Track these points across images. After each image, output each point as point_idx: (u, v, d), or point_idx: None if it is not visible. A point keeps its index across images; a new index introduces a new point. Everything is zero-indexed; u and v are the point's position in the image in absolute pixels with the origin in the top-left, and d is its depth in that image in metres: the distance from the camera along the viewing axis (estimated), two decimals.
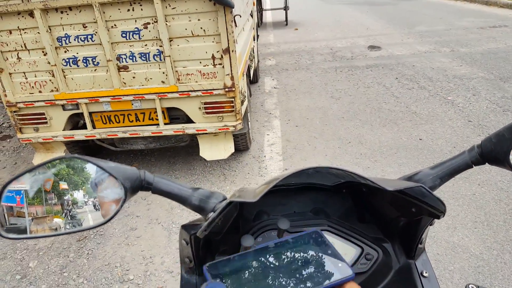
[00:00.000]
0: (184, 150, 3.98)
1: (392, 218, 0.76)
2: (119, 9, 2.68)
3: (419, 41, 8.01)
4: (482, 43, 7.41)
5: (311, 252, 0.64)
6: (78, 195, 0.61)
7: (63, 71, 2.89)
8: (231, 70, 2.83)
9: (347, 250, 0.76)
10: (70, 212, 0.61)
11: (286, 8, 10.60)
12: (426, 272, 0.71)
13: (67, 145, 3.47)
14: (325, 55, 7.45)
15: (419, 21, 10.09)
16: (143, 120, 3.11)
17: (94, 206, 0.61)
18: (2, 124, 5.19)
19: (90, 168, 0.61)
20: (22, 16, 2.72)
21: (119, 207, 0.60)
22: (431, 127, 4.19)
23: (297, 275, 0.59)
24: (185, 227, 0.69)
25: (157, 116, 3.05)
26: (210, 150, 3.23)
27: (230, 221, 0.73)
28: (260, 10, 10.60)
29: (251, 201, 0.55)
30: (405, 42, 8.01)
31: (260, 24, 10.95)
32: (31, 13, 2.70)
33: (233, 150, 3.24)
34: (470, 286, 0.68)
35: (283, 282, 0.58)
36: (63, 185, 0.61)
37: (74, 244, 2.77)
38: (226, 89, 2.89)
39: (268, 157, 3.78)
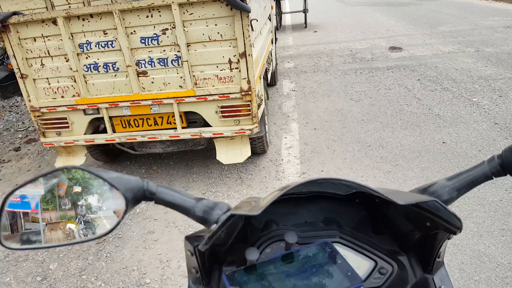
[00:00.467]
0: (201, 153, 4.00)
1: (407, 231, 0.73)
2: (138, 15, 2.72)
3: (442, 41, 7.81)
4: (508, 42, 7.16)
5: (321, 262, 0.65)
6: (92, 200, 0.61)
7: (84, 76, 2.96)
8: (247, 74, 2.82)
9: (360, 263, 0.73)
10: (83, 217, 0.62)
11: (305, 11, 10.55)
12: None
13: (88, 149, 3.54)
14: (345, 57, 7.36)
15: (442, 21, 9.85)
16: (161, 124, 3.14)
17: (101, 210, 0.62)
18: (28, 128, 5.37)
19: (93, 179, 0.61)
20: (46, 24, 2.80)
21: (120, 218, 0.60)
22: (455, 130, 4.06)
23: (309, 285, 0.61)
24: (188, 238, 0.68)
25: (175, 120, 3.08)
26: (227, 154, 3.24)
27: (234, 233, 0.71)
28: (279, 13, 10.60)
29: (254, 214, 0.54)
30: (427, 42, 7.82)
31: (279, 27, 10.93)
32: (54, 21, 2.78)
33: (249, 154, 3.24)
34: None
35: None
36: (77, 189, 0.61)
37: (93, 247, 2.82)
38: (243, 93, 2.89)
39: (286, 160, 3.75)
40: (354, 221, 0.84)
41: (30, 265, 2.69)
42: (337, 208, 0.86)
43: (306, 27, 10.98)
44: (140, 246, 2.80)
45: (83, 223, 0.62)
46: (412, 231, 0.71)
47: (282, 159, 3.78)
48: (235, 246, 0.75)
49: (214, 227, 0.61)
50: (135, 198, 0.61)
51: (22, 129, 5.36)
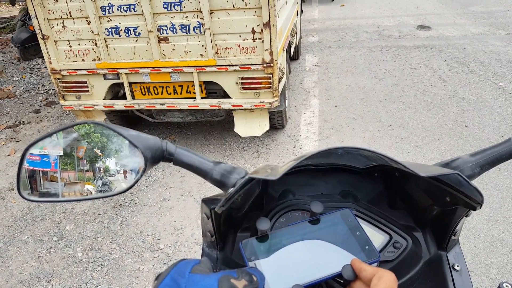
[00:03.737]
0: (219, 125, 3.97)
1: (425, 206, 0.71)
2: None
3: (472, 22, 7.44)
4: None
5: (340, 233, 0.64)
6: (110, 162, 0.61)
7: (105, 40, 2.92)
8: (270, 45, 2.73)
9: (375, 236, 0.72)
10: (101, 179, 0.61)
11: None
12: (458, 266, 0.67)
13: (107, 114, 3.56)
14: (371, 34, 7.11)
15: (474, 1, 9.36)
16: (181, 93, 3.11)
17: (118, 173, 0.61)
18: (48, 90, 5.42)
19: (112, 136, 0.60)
20: None
21: (139, 176, 0.58)
22: (478, 114, 3.93)
23: (326, 255, 0.60)
24: (205, 201, 0.67)
25: (194, 89, 3.03)
26: (245, 127, 3.20)
27: (251, 199, 0.70)
28: None
29: (271, 178, 0.52)
30: (457, 23, 7.47)
31: None
32: None
33: (268, 128, 3.19)
34: (504, 284, 0.62)
35: (312, 262, 0.59)
36: (97, 151, 0.61)
37: (109, 211, 2.87)
38: (265, 65, 2.81)
39: (304, 136, 3.70)
40: (371, 195, 0.82)
41: (47, 225, 2.76)
42: (354, 181, 0.85)
43: (333, 0, 10.60)
44: (155, 213, 2.84)
45: (100, 184, 0.61)
46: (431, 207, 0.70)
47: (300, 135, 3.72)
48: (250, 213, 0.75)
49: (231, 190, 0.60)
50: (153, 158, 0.60)
51: (42, 92, 5.41)
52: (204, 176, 0.66)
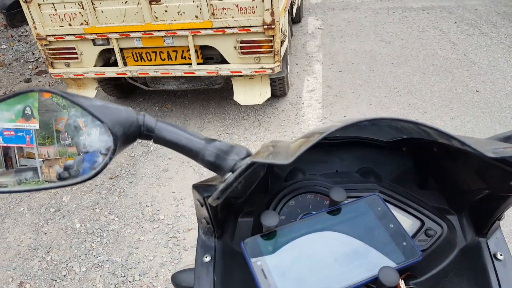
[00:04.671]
0: (218, 93, 3.82)
1: (470, 188, 0.59)
2: None
3: None
4: None
5: (369, 225, 0.53)
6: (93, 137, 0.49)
7: (92, 3, 2.73)
8: (271, 4, 2.54)
9: (403, 222, 0.61)
10: (85, 154, 0.51)
11: None
12: (501, 255, 0.57)
13: (100, 83, 3.41)
14: None
15: None
16: (175, 59, 2.94)
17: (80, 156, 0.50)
18: (38, 59, 5.23)
19: (70, 107, 0.48)
20: None
21: (108, 159, 0.46)
22: (490, 78, 3.76)
23: (354, 256, 0.50)
24: (197, 187, 0.56)
25: (189, 55, 2.87)
26: (245, 94, 3.05)
27: (254, 184, 0.60)
28: None
29: (282, 163, 0.42)
30: None
31: None
32: None
33: (269, 95, 3.04)
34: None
35: (337, 265, 0.49)
36: (81, 123, 0.50)
37: (106, 182, 2.79)
38: (265, 26, 2.63)
39: (307, 104, 3.55)
40: (396, 173, 0.72)
41: (43, 197, 2.69)
42: (376, 157, 0.74)
43: None
44: (154, 184, 2.76)
45: (60, 170, 0.50)
46: (479, 190, 0.57)
47: (303, 103, 3.58)
48: (253, 196, 0.65)
49: (229, 177, 0.49)
50: (126, 135, 0.47)
51: (32, 60, 5.22)
52: (193, 157, 0.55)
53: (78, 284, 2.05)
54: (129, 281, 2.05)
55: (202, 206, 0.57)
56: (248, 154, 0.54)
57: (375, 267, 0.46)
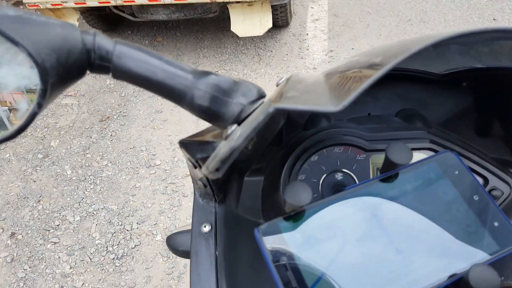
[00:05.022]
0: (213, 23, 3.48)
1: None
2: None
3: None
4: None
5: (445, 199, 0.36)
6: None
7: None
8: None
9: None
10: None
11: None
12: None
13: (82, 14, 3.07)
14: None
15: None
16: None
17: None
18: None
19: None
20: None
21: (34, 107, 0.28)
22: (509, 4, 3.45)
23: (426, 247, 0.34)
24: (185, 145, 0.42)
25: None
26: (243, 24, 2.74)
27: (268, 140, 0.47)
28: None
29: (329, 110, 0.26)
30: None
31: None
32: None
33: (270, 25, 2.73)
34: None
35: (402, 261, 0.32)
36: None
37: (96, 125, 2.59)
38: None
39: (311, 35, 3.25)
40: (447, 116, 0.58)
41: (30, 142, 2.50)
42: (423, 95, 0.59)
43: None
44: (147, 126, 2.56)
45: None
46: None
47: (307, 34, 3.27)
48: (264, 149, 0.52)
49: (232, 133, 0.33)
50: (64, 65, 0.28)
51: None
52: (176, 100, 0.37)
53: (73, 233, 1.95)
54: (127, 230, 1.94)
55: (195, 167, 0.43)
56: (261, 95, 0.38)
57: (459, 262, 0.32)
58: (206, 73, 0.36)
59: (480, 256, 0.33)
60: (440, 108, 0.58)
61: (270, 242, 0.33)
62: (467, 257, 0.33)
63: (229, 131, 0.35)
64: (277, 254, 0.32)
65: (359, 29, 3.27)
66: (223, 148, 0.30)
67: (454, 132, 0.56)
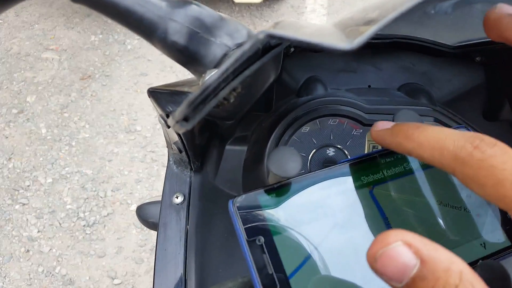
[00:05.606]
0: None
1: None
2: None
3: None
4: None
5: (453, 181, 0.31)
6: None
7: None
8: None
9: None
10: None
11: None
12: None
13: None
14: None
15: None
16: None
17: None
18: None
19: None
20: None
21: None
22: None
23: (431, 236, 0.27)
24: (155, 95, 0.36)
25: None
26: None
27: (257, 96, 0.39)
28: None
29: (341, 48, 0.18)
30: None
31: None
32: None
33: None
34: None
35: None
36: None
37: (77, 83, 2.46)
38: None
39: (310, 9, 3.11)
40: (454, 94, 0.54)
41: (5, 95, 2.36)
42: (430, 69, 0.54)
43: None
44: (130, 89, 2.45)
45: None
46: None
47: (306, 7, 3.13)
48: (249, 115, 0.49)
49: (211, 75, 0.27)
50: None
51: None
52: (146, 33, 0.30)
53: (43, 196, 1.87)
54: (101, 197, 1.87)
55: (169, 127, 0.38)
56: (251, 36, 0.32)
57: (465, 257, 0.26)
58: (186, 2, 0.29)
59: (476, 249, 0.29)
60: (447, 85, 0.54)
61: (246, 218, 0.26)
62: (474, 250, 0.29)
63: (207, 76, 0.28)
64: (253, 232, 0.26)
65: (361, 6, 3.14)
66: (195, 92, 0.22)
67: (458, 113, 0.52)
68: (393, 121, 0.31)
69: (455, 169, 0.21)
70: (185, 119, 0.22)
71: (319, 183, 0.29)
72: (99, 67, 2.57)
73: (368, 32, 0.19)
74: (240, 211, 0.26)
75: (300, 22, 0.33)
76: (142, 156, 2.06)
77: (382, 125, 0.28)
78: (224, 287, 0.29)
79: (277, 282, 0.24)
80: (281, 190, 0.27)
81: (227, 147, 0.49)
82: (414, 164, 0.32)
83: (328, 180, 0.29)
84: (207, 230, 0.45)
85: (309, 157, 0.46)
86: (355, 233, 0.27)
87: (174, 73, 2.54)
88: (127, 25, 0.29)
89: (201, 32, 0.29)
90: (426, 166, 0.32)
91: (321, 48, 0.19)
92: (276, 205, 0.27)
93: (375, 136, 0.28)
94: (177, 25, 0.29)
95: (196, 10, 0.30)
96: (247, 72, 0.24)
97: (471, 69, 0.53)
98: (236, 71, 0.22)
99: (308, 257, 0.26)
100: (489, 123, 0.52)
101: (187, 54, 0.30)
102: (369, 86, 0.54)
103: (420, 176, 0.31)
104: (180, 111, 0.21)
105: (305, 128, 0.47)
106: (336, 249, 0.26)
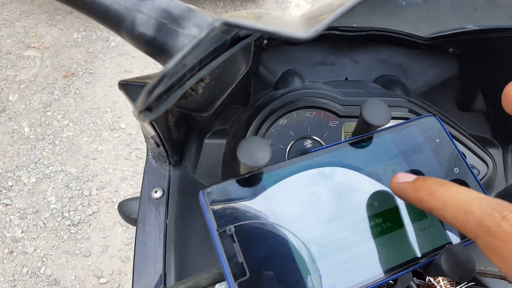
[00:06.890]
0: None
1: None
2: None
3: None
4: None
5: (424, 171, 0.32)
6: None
7: None
8: None
9: None
10: None
11: None
12: None
13: None
14: None
15: None
16: None
17: None
18: None
19: None
20: None
21: None
22: None
23: (396, 225, 0.29)
24: (126, 88, 0.36)
25: None
26: None
27: (229, 88, 0.38)
28: None
29: (299, 36, 0.19)
30: None
31: None
32: None
33: None
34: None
35: (367, 240, 0.28)
36: None
37: (60, 81, 2.42)
38: None
39: (294, 3, 3.11)
40: (429, 86, 0.55)
41: None
42: (405, 61, 0.55)
43: None
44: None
45: None
46: None
47: (290, 2, 3.13)
48: (227, 109, 0.50)
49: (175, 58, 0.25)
50: None
51: None
52: (113, 24, 0.30)
53: (27, 196, 1.85)
54: (85, 195, 1.86)
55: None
56: (215, 20, 0.30)
57: (432, 242, 0.29)
58: None
59: (455, 236, 0.30)
60: (422, 77, 0.55)
61: (217, 208, 0.27)
62: (440, 237, 0.29)
63: (168, 65, 0.28)
64: (224, 222, 0.26)
65: None
66: (154, 78, 0.23)
67: (434, 104, 0.53)
68: (360, 111, 0.31)
69: (478, 236, 0.20)
70: (149, 109, 0.22)
71: (290, 172, 0.29)
72: (83, 65, 2.54)
73: (324, 22, 0.19)
74: (211, 202, 0.26)
75: (271, 14, 0.33)
76: (127, 153, 2.05)
77: (403, 178, 0.27)
78: (199, 278, 0.30)
79: (247, 271, 0.24)
80: (251, 180, 0.28)
81: (206, 140, 0.49)
82: (385, 153, 0.32)
83: (298, 169, 0.29)
84: (186, 224, 0.45)
85: (287, 149, 0.47)
86: (327, 226, 0.28)
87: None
88: (94, 16, 0.30)
89: (168, 23, 0.30)
90: (396, 156, 0.32)
91: (279, 37, 0.19)
92: (247, 195, 0.27)
93: (395, 187, 0.27)
94: (144, 16, 0.29)
95: (164, 1, 0.30)
96: (214, 63, 0.24)
97: (445, 61, 0.55)
98: (203, 62, 0.22)
99: (277, 247, 0.26)
100: (463, 113, 0.54)
101: (155, 45, 0.30)
102: (346, 78, 0.56)
103: (390, 165, 0.31)
104: (140, 100, 0.22)
105: (283, 121, 0.48)
106: (306, 240, 0.27)
